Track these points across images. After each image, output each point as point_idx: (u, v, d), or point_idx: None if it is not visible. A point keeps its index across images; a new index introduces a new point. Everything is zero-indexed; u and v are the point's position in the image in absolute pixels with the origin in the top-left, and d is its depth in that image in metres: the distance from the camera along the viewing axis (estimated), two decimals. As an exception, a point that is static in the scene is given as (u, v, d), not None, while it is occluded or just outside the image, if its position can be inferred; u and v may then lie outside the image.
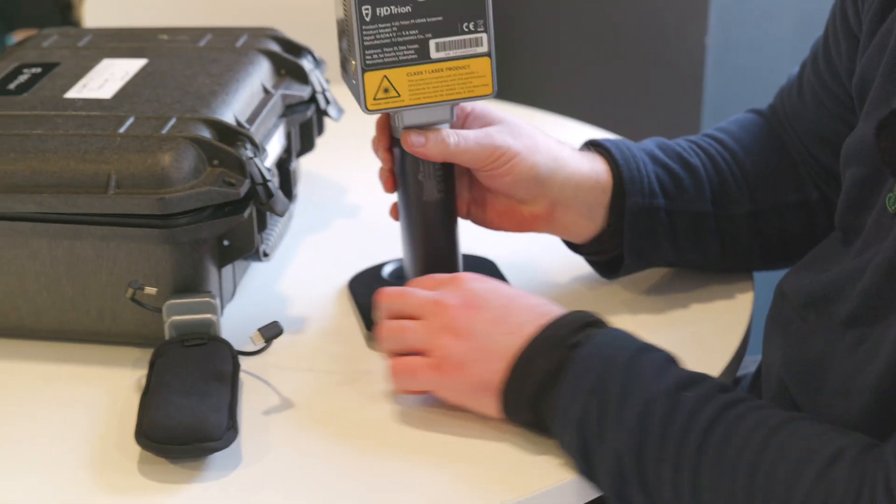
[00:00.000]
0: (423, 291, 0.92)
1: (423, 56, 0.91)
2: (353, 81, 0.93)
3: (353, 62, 0.91)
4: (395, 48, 0.90)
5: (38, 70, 1.08)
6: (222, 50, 1.11)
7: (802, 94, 1.06)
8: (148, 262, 0.94)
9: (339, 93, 1.16)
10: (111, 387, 0.95)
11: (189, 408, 0.86)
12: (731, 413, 0.78)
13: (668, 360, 0.84)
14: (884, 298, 0.82)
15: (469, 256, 1.04)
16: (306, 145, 1.15)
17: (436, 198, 0.97)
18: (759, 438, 0.76)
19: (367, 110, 0.92)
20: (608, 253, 1.04)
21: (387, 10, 0.89)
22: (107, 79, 1.05)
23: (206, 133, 0.96)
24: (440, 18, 0.90)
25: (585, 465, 0.83)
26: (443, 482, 0.85)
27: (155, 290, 0.93)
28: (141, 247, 0.94)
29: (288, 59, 1.12)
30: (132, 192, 0.92)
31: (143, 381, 0.92)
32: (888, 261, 0.82)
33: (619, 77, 1.58)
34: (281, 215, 0.99)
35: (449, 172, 0.97)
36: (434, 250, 0.99)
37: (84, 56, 1.10)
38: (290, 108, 1.11)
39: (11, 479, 0.85)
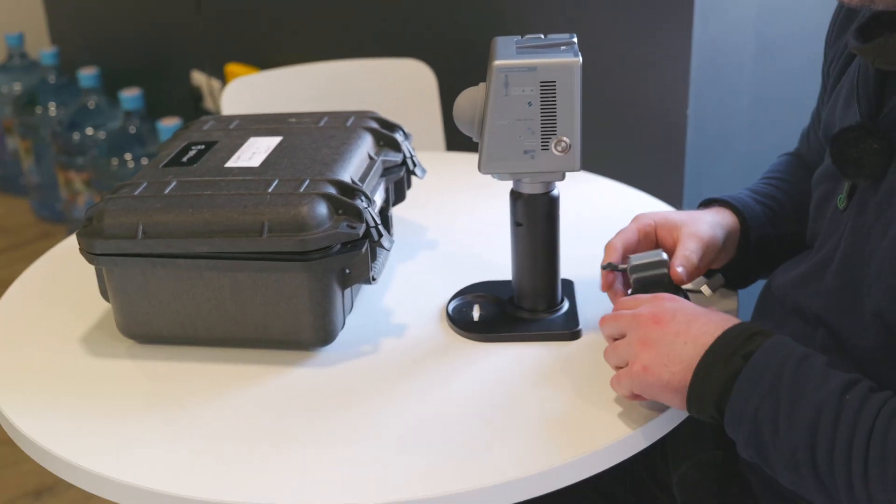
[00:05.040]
0: (627, 311, 0.88)
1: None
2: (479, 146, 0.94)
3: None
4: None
5: (203, 147, 1.08)
6: (337, 128, 1.12)
7: (816, 137, 1.07)
8: (290, 287, 0.95)
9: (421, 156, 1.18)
10: (277, 382, 0.96)
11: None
12: (886, 411, 0.73)
13: (826, 364, 0.77)
14: (849, 278, 0.84)
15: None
16: (399, 197, 1.16)
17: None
18: None
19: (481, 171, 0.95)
20: (737, 272, 1.05)
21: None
22: (254, 152, 1.06)
23: (332, 190, 0.97)
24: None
25: (759, 456, 0.79)
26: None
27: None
28: (286, 275, 0.94)
29: (385, 134, 1.13)
30: (280, 235, 0.92)
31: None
32: (846, 247, 0.85)
33: (619, 143, 1.59)
34: (388, 250, 0.99)
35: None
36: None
37: (235, 136, 1.11)
38: (388, 171, 1.11)
39: (206, 450, 0.86)
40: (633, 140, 1.56)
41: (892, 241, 0.79)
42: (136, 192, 0.98)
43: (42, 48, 2.88)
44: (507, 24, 1.71)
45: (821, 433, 0.74)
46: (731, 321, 0.83)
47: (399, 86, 1.73)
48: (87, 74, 2.61)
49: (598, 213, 1.26)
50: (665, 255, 0.95)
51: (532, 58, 0.91)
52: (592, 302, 1.04)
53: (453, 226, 1.25)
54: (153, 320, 0.99)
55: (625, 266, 0.96)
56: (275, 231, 0.93)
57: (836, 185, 0.90)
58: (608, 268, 0.97)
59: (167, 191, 0.98)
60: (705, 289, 0.96)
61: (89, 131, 2.63)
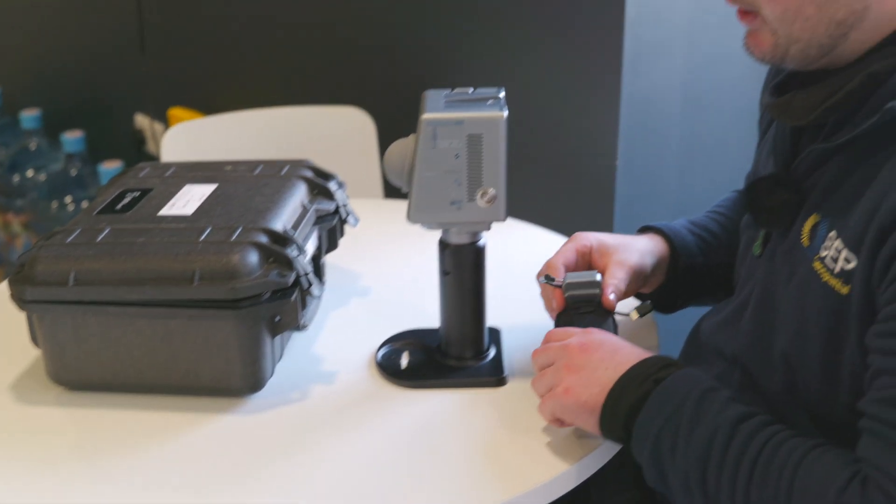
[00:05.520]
0: (557, 343, 0.92)
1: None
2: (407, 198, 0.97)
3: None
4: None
5: (138, 194, 1.10)
6: (271, 177, 1.13)
7: None
8: (221, 334, 0.96)
9: (354, 204, 1.20)
10: (206, 429, 0.97)
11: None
12: (774, 441, 0.77)
13: (730, 398, 0.81)
14: (761, 322, 0.89)
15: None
16: (332, 245, 1.17)
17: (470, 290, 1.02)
18: (794, 461, 0.75)
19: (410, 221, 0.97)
20: (666, 299, 1.11)
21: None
22: (188, 199, 1.07)
23: (264, 239, 0.98)
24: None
25: (660, 477, 0.82)
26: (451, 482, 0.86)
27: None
28: (216, 323, 0.95)
29: (319, 183, 1.15)
30: (211, 283, 0.94)
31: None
32: (759, 292, 0.89)
33: (551, 191, 1.62)
34: (318, 298, 1.00)
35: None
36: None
37: (171, 183, 1.12)
38: (321, 219, 1.13)
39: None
40: (564, 189, 1.60)
41: (796, 288, 0.83)
42: (68, 240, 0.99)
43: (-16, 89, 2.86)
44: (447, 74, 1.75)
45: (713, 455, 0.78)
46: (649, 354, 0.87)
47: (339, 133, 1.76)
48: (28, 116, 2.61)
49: (527, 261, 1.28)
50: (599, 277, 1.01)
51: (460, 111, 0.94)
52: (519, 349, 1.07)
53: (387, 273, 1.27)
54: (83, 367, 0.99)
55: (560, 282, 1.01)
56: (206, 279, 0.94)
57: (755, 232, 0.94)
58: (545, 281, 1.02)
59: (100, 238, 0.99)
60: (633, 313, 1.03)
61: (30, 173, 2.61)
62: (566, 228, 1.38)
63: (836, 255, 0.78)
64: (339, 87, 1.96)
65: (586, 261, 1.05)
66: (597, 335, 0.91)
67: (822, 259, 0.80)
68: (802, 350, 0.83)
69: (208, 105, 2.21)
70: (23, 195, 2.61)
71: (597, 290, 1.00)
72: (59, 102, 2.79)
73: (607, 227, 1.53)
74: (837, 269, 0.78)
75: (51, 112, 2.73)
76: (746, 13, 0.84)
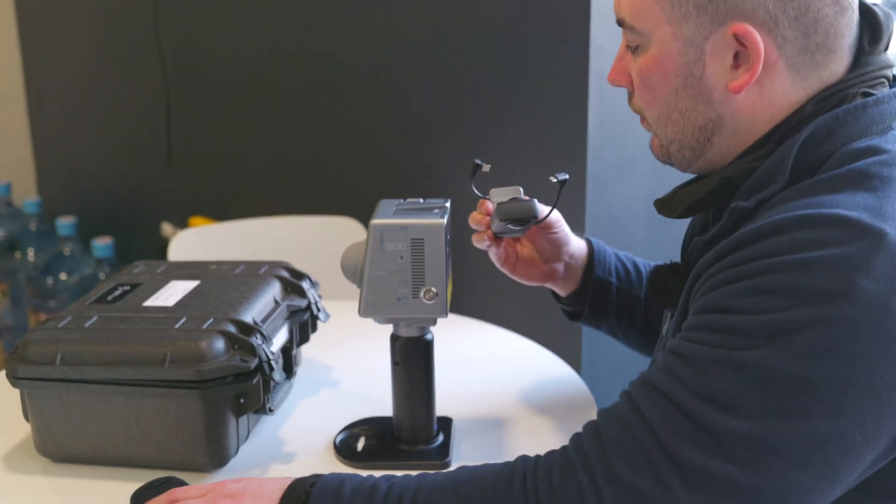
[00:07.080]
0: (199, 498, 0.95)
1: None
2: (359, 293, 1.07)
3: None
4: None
5: (128, 287, 1.21)
6: (250, 275, 1.25)
7: None
8: (188, 412, 1.06)
9: (328, 304, 1.30)
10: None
11: None
12: (427, 479, 0.88)
13: (379, 477, 0.92)
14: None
15: None
16: (304, 338, 1.28)
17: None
18: (453, 482, 0.86)
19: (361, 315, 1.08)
20: (578, 307, 1.22)
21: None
22: (171, 293, 1.19)
23: (231, 328, 1.09)
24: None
25: None
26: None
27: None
28: (184, 402, 1.05)
29: (292, 282, 1.26)
30: (180, 365, 1.04)
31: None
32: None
33: (526, 303, 1.71)
34: (279, 383, 1.10)
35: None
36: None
37: (159, 279, 1.24)
38: (293, 314, 1.24)
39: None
40: (535, 303, 1.68)
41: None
42: (60, 325, 1.11)
43: (28, 196, 3.04)
44: (429, 189, 1.88)
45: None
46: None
47: (334, 240, 1.88)
48: (64, 223, 2.77)
49: (483, 356, 1.37)
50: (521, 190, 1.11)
51: (405, 218, 1.05)
52: (469, 436, 1.15)
53: (357, 366, 1.37)
54: (67, 440, 1.09)
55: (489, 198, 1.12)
56: (175, 362, 1.05)
57: (664, 315, 1.05)
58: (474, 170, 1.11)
59: (88, 324, 1.11)
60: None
61: (63, 276, 2.76)
62: (543, 339, 1.48)
63: None
64: (336, 200, 2.10)
65: None
66: (231, 485, 0.95)
67: None
68: None
69: (224, 214, 2.36)
70: (54, 297, 2.75)
71: (518, 195, 1.09)
72: (93, 211, 2.96)
73: (576, 337, 1.61)
74: None
75: (84, 220, 2.89)
76: (643, 119, 0.96)
